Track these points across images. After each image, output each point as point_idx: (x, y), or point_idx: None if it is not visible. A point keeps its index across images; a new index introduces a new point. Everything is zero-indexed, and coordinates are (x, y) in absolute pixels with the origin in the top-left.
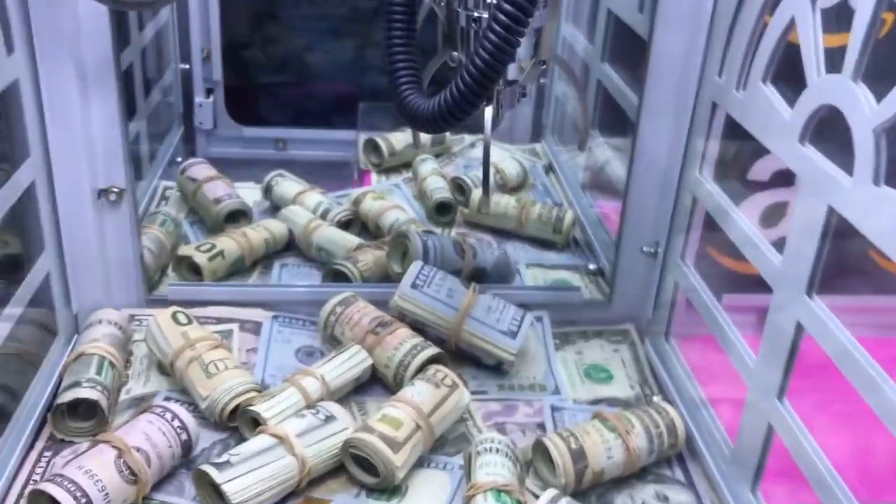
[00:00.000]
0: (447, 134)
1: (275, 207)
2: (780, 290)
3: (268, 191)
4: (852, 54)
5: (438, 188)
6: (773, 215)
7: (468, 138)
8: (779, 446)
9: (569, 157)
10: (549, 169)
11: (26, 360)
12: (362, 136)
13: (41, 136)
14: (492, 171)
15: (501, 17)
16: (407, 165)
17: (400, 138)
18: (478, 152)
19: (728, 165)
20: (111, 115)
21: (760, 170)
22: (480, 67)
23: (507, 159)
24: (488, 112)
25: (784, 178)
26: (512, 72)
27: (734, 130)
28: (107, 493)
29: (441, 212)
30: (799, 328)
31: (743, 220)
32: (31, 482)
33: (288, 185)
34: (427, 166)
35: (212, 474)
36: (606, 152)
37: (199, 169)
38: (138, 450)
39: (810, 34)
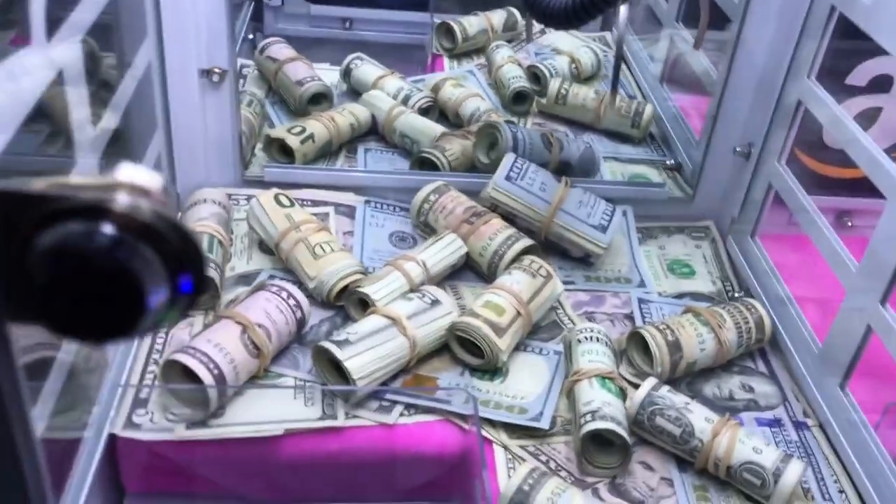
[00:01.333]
0: (519, 20)
1: (352, 90)
2: (893, 200)
3: (347, 74)
4: None
5: (515, 77)
6: (867, 119)
7: (538, 24)
8: (870, 348)
9: (642, 46)
10: (623, 61)
11: None
12: (435, 20)
13: (156, 17)
14: (566, 59)
15: None
16: (479, 51)
17: (473, 22)
18: (549, 39)
19: (831, 70)
20: None
21: (860, 75)
22: None
23: (580, 48)
24: (623, 8)
25: (880, 85)
26: None
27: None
28: (235, 366)
29: (517, 101)
30: None
31: (859, 131)
32: (155, 351)
33: (367, 69)
34: (502, 54)
35: (334, 352)
36: (684, 45)
37: (279, 49)
38: (260, 326)
39: None
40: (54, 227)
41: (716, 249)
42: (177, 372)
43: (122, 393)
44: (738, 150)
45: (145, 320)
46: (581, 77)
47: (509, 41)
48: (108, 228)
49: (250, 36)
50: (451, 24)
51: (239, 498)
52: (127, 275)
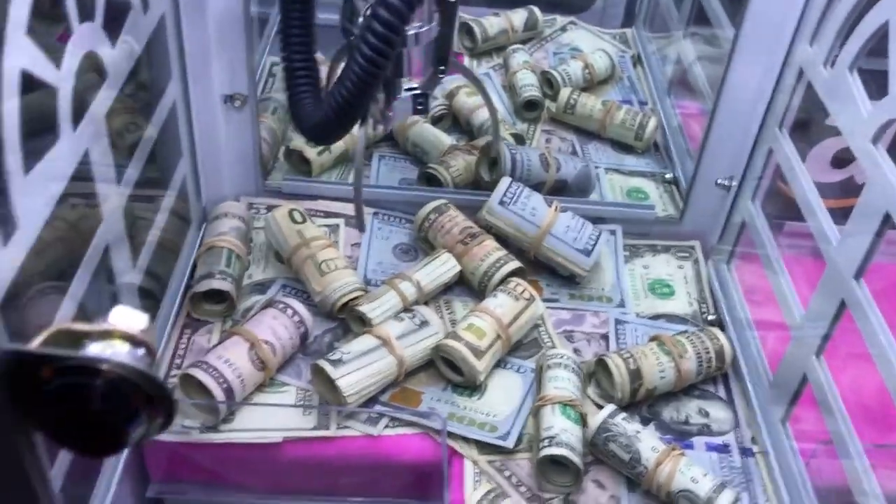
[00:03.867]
0: (538, 17)
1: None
2: (832, 267)
3: None
4: None
5: (528, 85)
6: (844, 159)
7: (560, 20)
8: (811, 388)
9: (657, 48)
10: (637, 61)
11: (168, 249)
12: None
13: (179, 53)
14: (580, 65)
15: (376, 26)
16: (499, 49)
17: (494, 23)
18: (569, 37)
19: (804, 124)
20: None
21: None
22: (351, 87)
23: (596, 52)
24: (360, 133)
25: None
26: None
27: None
28: (242, 379)
29: (529, 108)
30: (842, 305)
31: (811, 188)
32: (177, 357)
33: None
34: (518, 59)
35: (328, 370)
36: (691, 52)
37: None
38: (266, 342)
39: None
40: (62, 378)
41: (697, 270)
42: (192, 383)
43: None
44: (719, 181)
45: (128, 442)
46: (594, 81)
47: (527, 40)
48: (99, 383)
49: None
50: (472, 24)
51: (245, 491)
52: (112, 416)
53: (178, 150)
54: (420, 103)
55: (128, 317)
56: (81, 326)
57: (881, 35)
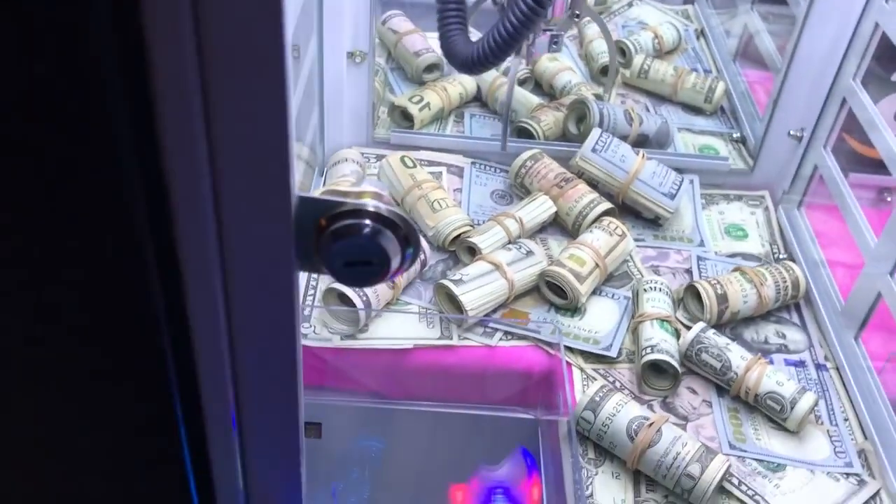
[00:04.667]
0: None
1: None
2: None
3: None
4: None
5: (604, 52)
6: None
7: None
8: (881, 309)
9: (720, 21)
10: (700, 34)
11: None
12: None
13: (319, 10)
14: (650, 35)
15: None
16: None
17: None
18: (635, 12)
19: (876, 75)
20: None
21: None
22: (513, 25)
23: (664, 24)
24: (514, 62)
25: None
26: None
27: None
28: (378, 295)
29: (605, 73)
30: None
31: (888, 132)
32: (312, 279)
33: None
34: (593, 29)
35: (451, 288)
36: (758, 23)
37: (399, 22)
38: None
39: None
40: (340, 221)
41: (768, 217)
42: (333, 297)
43: None
44: (791, 132)
45: (389, 274)
46: (663, 51)
47: (599, 14)
48: (370, 223)
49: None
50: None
51: (375, 395)
52: (382, 251)
53: (312, 103)
54: (555, 41)
55: (375, 184)
56: (343, 188)
57: None
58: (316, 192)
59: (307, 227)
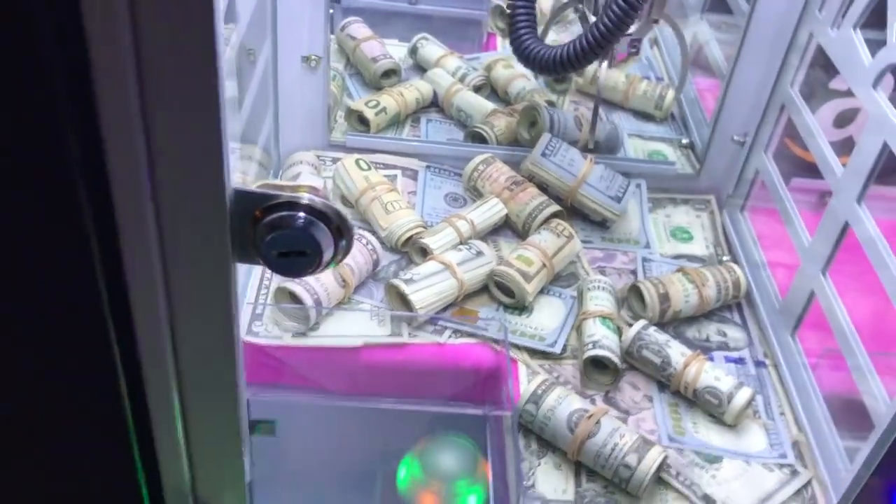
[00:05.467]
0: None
1: (418, 66)
2: (837, 195)
3: (413, 51)
4: None
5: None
6: (844, 119)
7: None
8: (815, 307)
9: (672, 33)
10: (654, 43)
11: None
12: (492, 1)
13: (273, 14)
14: None
15: None
16: None
17: None
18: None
19: (807, 78)
20: None
21: (841, 81)
22: (607, 28)
23: None
24: (603, 68)
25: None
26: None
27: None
28: (328, 293)
29: (558, 81)
30: (846, 226)
31: (822, 139)
32: (266, 279)
33: (431, 48)
34: (549, 37)
35: (402, 287)
36: (707, 31)
37: (357, 28)
38: (347, 264)
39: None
40: (273, 213)
41: (713, 220)
42: (284, 296)
43: (243, 309)
44: (735, 138)
45: (321, 265)
46: (617, 59)
47: (556, 23)
48: (303, 215)
49: (330, 11)
50: (505, 6)
51: (327, 393)
52: (314, 242)
53: (266, 105)
54: (634, 45)
55: (312, 179)
56: (279, 182)
57: None
58: (252, 186)
59: (243, 219)
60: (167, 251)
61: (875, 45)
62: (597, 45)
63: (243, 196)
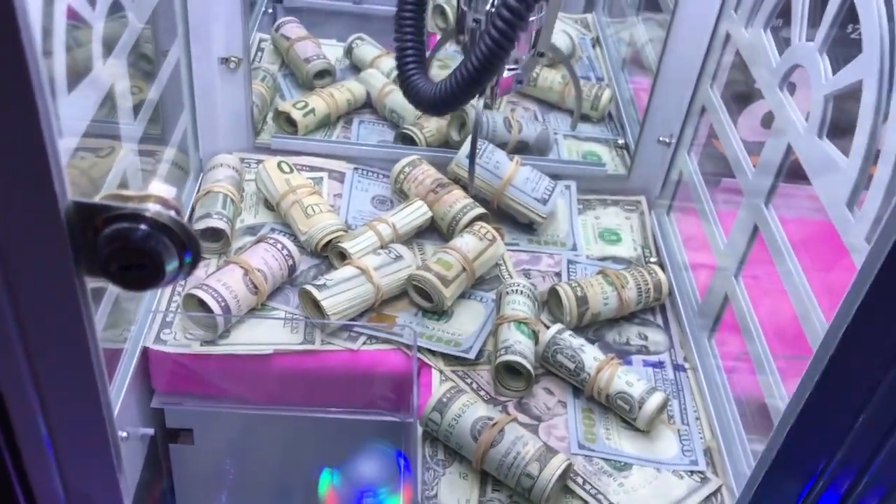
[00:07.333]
0: None
1: (353, 66)
2: (748, 196)
3: (349, 52)
4: (822, 30)
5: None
6: (769, 120)
7: None
8: (731, 310)
9: (614, 31)
10: (596, 42)
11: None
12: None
13: (184, 16)
14: None
15: (499, 22)
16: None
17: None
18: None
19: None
20: None
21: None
22: (477, 65)
23: (558, 32)
24: (479, 103)
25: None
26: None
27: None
28: (238, 300)
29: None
30: (755, 229)
31: (736, 139)
32: (178, 285)
33: (366, 48)
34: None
35: (314, 293)
36: (643, 31)
37: (291, 28)
38: (259, 270)
39: (798, 5)
40: (113, 225)
41: (643, 221)
42: (194, 303)
43: (152, 316)
44: (661, 139)
45: (164, 279)
46: (556, 59)
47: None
48: (143, 227)
49: (269, 10)
50: (444, 5)
51: (238, 400)
52: (153, 254)
53: (179, 106)
54: (519, 81)
55: (161, 188)
56: (126, 192)
57: None
58: (97, 198)
59: (86, 232)
60: (10, 271)
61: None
62: (470, 80)
63: (83, 209)
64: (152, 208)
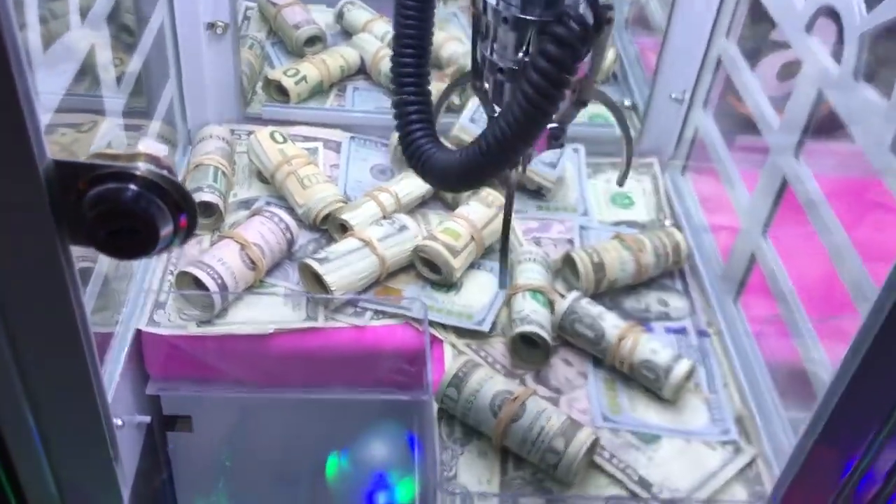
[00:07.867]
0: None
1: (345, 31)
2: (775, 150)
3: (340, 16)
4: None
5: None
6: (788, 72)
7: None
8: (758, 272)
9: None
10: None
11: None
12: None
13: None
14: None
15: (536, 77)
16: None
17: None
18: None
19: (751, 32)
20: None
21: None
22: (509, 132)
23: None
24: (513, 174)
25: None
26: None
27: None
28: (235, 277)
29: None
30: (784, 182)
31: (759, 92)
32: (171, 264)
33: (358, 13)
34: None
35: (315, 267)
36: None
37: None
38: (256, 245)
39: None
40: (99, 186)
41: (655, 184)
42: (188, 281)
43: (145, 297)
44: (673, 96)
45: (158, 245)
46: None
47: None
48: (133, 187)
49: None
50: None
51: (238, 383)
52: (145, 216)
53: (164, 76)
54: (555, 137)
55: (152, 144)
56: (113, 151)
57: None
58: (83, 157)
59: (69, 194)
60: None
61: None
62: (496, 157)
63: (66, 168)
64: (142, 167)
